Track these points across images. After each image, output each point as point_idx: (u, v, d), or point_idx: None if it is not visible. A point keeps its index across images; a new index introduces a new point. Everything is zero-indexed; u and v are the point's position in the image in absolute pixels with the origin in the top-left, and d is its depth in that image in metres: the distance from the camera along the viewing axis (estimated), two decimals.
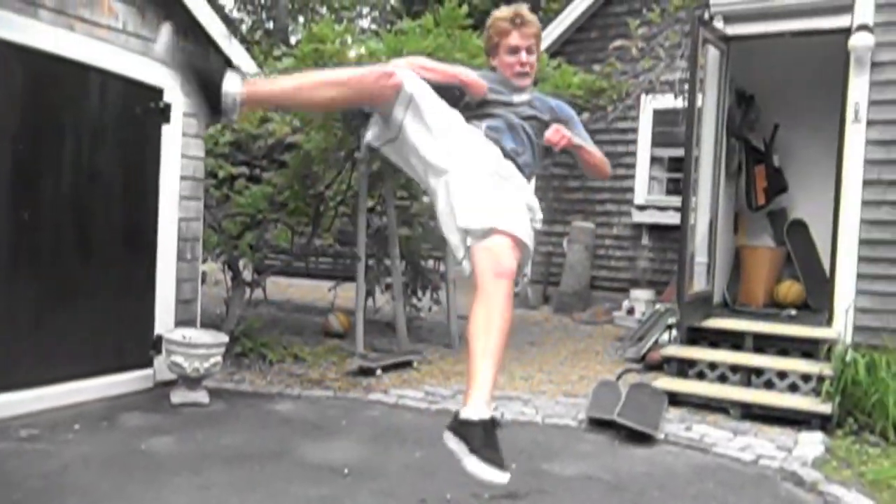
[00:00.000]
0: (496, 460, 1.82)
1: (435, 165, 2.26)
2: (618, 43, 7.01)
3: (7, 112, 4.27)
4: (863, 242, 5.41)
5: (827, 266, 6.00)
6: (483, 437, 1.85)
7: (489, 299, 2.01)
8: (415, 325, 7.67)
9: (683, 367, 5.66)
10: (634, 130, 9.42)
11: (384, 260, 7.53)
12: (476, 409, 1.87)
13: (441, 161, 2.25)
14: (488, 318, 1.98)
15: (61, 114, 4.59)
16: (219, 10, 5.35)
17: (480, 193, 2.20)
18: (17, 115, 4.32)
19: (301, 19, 16.28)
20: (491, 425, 1.88)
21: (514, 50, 2.62)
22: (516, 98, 2.62)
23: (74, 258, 4.71)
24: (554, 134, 2.54)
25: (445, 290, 7.34)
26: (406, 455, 4.12)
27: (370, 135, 2.37)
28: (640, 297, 8.87)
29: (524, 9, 2.67)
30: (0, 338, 4.24)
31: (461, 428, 1.89)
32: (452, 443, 1.90)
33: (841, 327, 5.42)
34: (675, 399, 5.30)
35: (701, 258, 6.08)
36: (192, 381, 4.88)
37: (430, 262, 8.35)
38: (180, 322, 5.36)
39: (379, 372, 5.80)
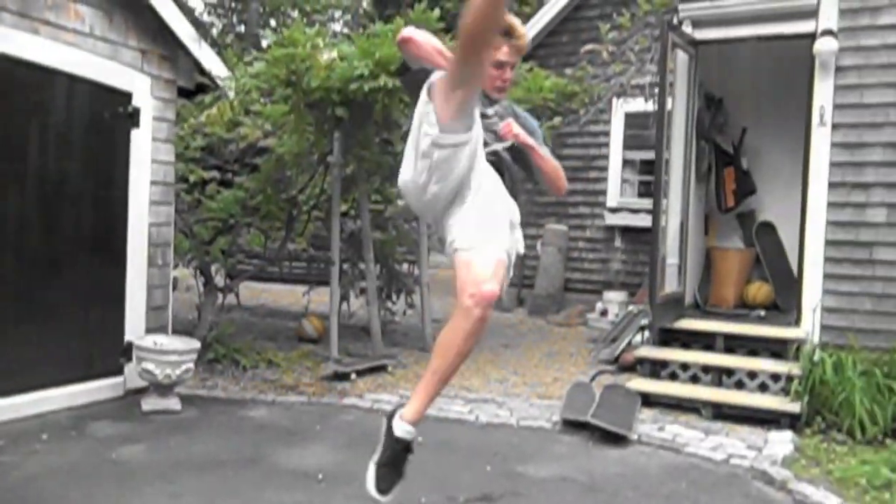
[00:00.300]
0: (383, 485, 2.21)
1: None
2: (589, 47, 7.07)
3: None
4: (829, 243, 5.50)
5: (794, 267, 6.09)
6: (391, 456, 2.20)
7: (462, 320, 2.09)
8: (389, 329, 7.64)
9: (656, 368, 5.71)
10: (606, 133, 9.50)
11: (358, 264, 7.50)
12: (403, 425, 2.21)
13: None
14: (453, 337, 2.13)
15: (26, 119, 4.51)
16: (188, 13, 5.29)
17: (489, 218, 2.21)
18: None
19: (272, 23, 16.16)
20: (404, 449, 2.21)
21: (501, 65, 2.52)
22: (490, 110, 2.59)
23: (41, 265, 4.62)
24: (505, 126, 2.54)
25: (420, 293, 7.33)
26: None
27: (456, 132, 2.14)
28: (614, 299, 8.93)
29: (518, 21, 2.55)
30: None
31: (387, 430, 2.23)
32: (381, 432, 2.24)
33: (809, 327, 5.50)
34: (649, 400, 5.34)
35: (672, 260, 6.14)
36: (163, 388, 4.81)
37: (405, 266, 8.33)
38: (151, 329, 5.28)
39: (353, 376, 5.78)
